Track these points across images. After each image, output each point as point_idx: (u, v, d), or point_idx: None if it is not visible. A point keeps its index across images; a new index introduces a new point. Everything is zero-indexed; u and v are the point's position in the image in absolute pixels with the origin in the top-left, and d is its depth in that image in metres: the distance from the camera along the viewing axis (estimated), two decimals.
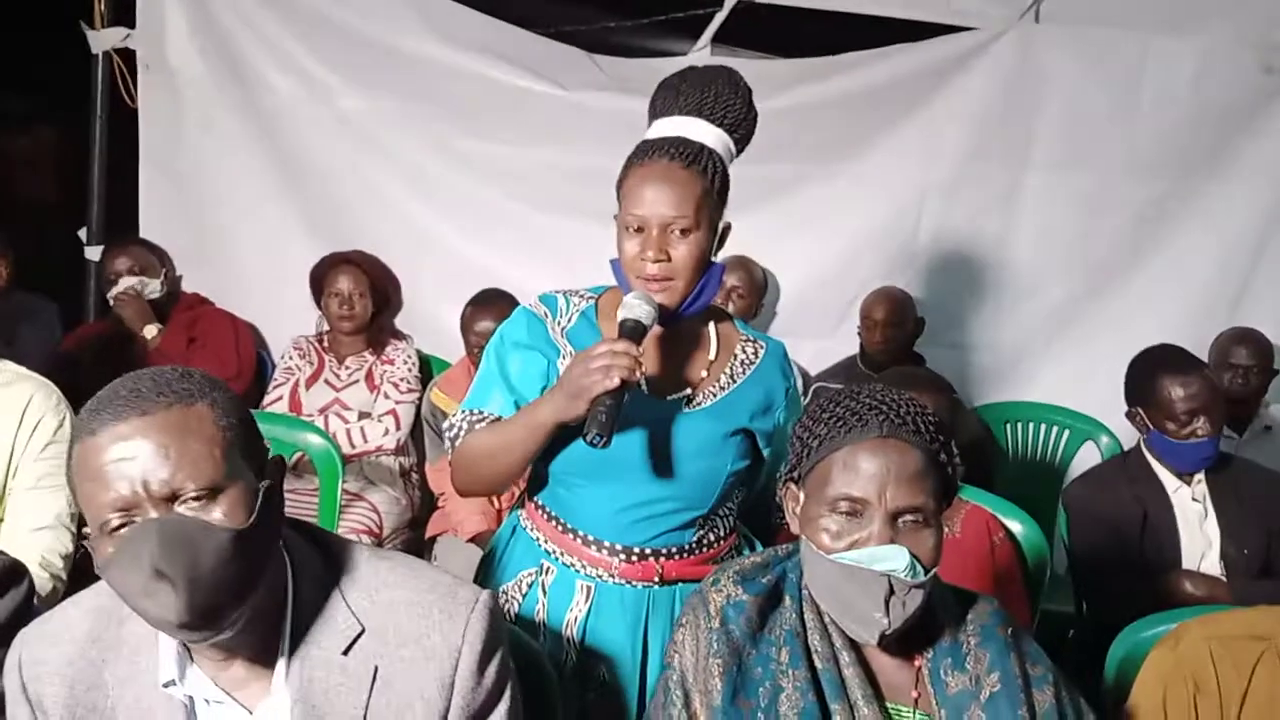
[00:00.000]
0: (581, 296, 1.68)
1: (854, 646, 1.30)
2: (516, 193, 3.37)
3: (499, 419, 1.58)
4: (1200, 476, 2.37)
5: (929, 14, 3.30)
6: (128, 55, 3.24)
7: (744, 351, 1.68)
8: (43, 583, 1.85)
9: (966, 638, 1.31)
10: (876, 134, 3.42)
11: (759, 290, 3.38)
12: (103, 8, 3.18)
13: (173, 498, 1.04)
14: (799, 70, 3.37)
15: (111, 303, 3.14)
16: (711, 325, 1.67)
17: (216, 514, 1.05)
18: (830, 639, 1.30)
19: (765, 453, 1.68)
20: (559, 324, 1.63)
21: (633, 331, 1.47)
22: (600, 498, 1.58)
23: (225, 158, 3.34)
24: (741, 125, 1.63)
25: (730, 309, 3.21)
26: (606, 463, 1.52)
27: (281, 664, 1.13)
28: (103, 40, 3.19)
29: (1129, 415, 2.41)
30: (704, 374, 1.63)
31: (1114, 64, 3.34)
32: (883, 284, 3.41)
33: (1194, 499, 2.36)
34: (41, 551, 1.91)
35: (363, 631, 1.15)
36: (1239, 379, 3.01)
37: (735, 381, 1.64)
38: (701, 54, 3.34)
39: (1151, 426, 2.33)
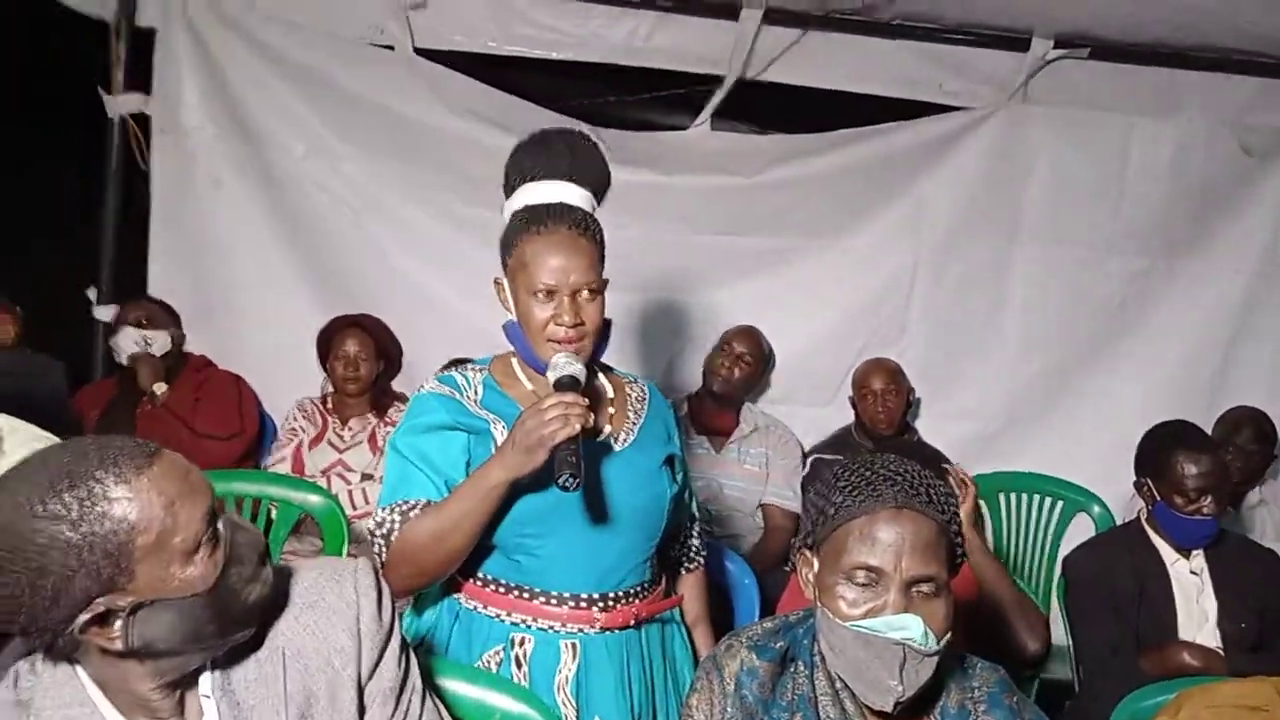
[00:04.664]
0: (473, 369, 1.72)
1: (865, 713, 1.33)
2: None
3: (430, 504, 1.56)
4: (1198, 551, 2.40)
5: (922, 94, 3.44)
6: (141, 119, 3.32)
7: (633, 391, 1.78)
8: None
9: (974, 705, 1.35)
10: (870, 207, 3.53)
11: (765, 360, 3.40)
12: (120, 75, 3.26)
13: None
14: (795, 145, 3.49)
15: (125, 361, 3.16)
16: (598, 371, 1.75)
17: None
18: (842, 705, 1.32)
19: (678, 477, 1.76)
20: (470, 398, 1.65)
21: (571, 386, 1.54)
22: (571, 552, 1.61)
23: (234, 220, 3.40)
24: (605, 187, 1.73)
25: (736, 374, 3.26)
26: (569, 514, 1.58)
27: (205, 678, 1.18)
28: (120, 105, 3.26)
29: (1136, 485, 2.45)
30: (612, 412, 1.71)
31: (1099, 144, 3.48)
32: (876, 355, 3.47)
33: (1191, 572, 2.39)
34: None
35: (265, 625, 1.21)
36: (1239, 460, 3.06)
37: (641, 417, 1.73)
38: (702, 129, 3.45)
39: (1159, 498, 2.38)
